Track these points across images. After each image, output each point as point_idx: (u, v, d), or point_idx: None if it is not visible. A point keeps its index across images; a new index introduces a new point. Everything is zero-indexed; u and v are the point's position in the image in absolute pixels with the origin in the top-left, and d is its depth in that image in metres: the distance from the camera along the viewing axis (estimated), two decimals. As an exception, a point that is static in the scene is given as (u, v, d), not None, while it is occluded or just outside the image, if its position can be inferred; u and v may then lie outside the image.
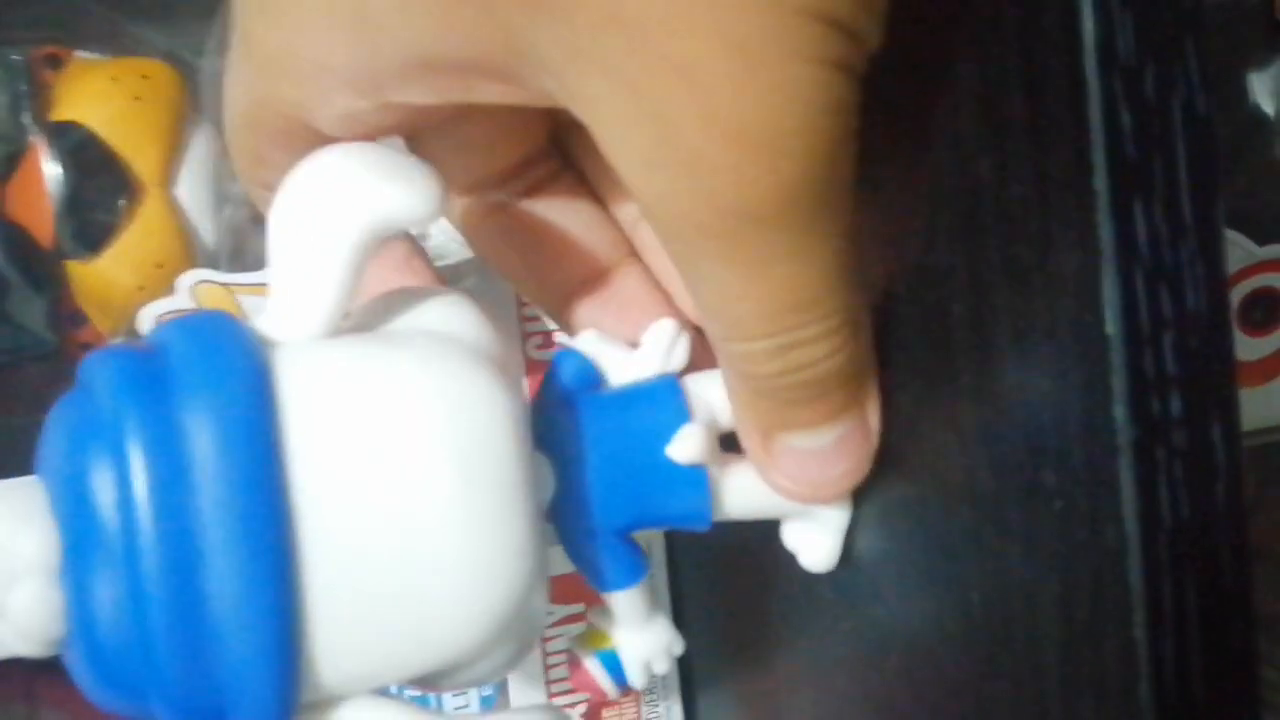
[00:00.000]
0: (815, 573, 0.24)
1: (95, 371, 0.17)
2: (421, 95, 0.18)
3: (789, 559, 0.28)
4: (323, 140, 0.19)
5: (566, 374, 0.21)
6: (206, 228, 0.31)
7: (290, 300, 0.17)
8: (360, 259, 0.17)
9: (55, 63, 0.31)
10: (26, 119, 0.30)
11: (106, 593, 0.16)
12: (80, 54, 0.31)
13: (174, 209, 0.30)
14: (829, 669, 0.27)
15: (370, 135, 0.19)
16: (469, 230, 0.23)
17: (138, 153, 0.30)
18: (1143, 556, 0.17)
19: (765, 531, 0.29)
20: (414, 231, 0.30)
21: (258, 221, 0.34)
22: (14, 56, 0.30)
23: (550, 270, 0.22)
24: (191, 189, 0.30)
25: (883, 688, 0.24)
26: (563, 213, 0.22)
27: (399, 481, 0.17)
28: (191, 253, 0.30)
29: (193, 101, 0.31)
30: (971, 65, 0.18)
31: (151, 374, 0.16)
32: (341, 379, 0.17)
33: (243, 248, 0.33)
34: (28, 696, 0.34)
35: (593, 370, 0.21)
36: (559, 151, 0.23)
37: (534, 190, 0.22)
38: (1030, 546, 0.19)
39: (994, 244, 0.19)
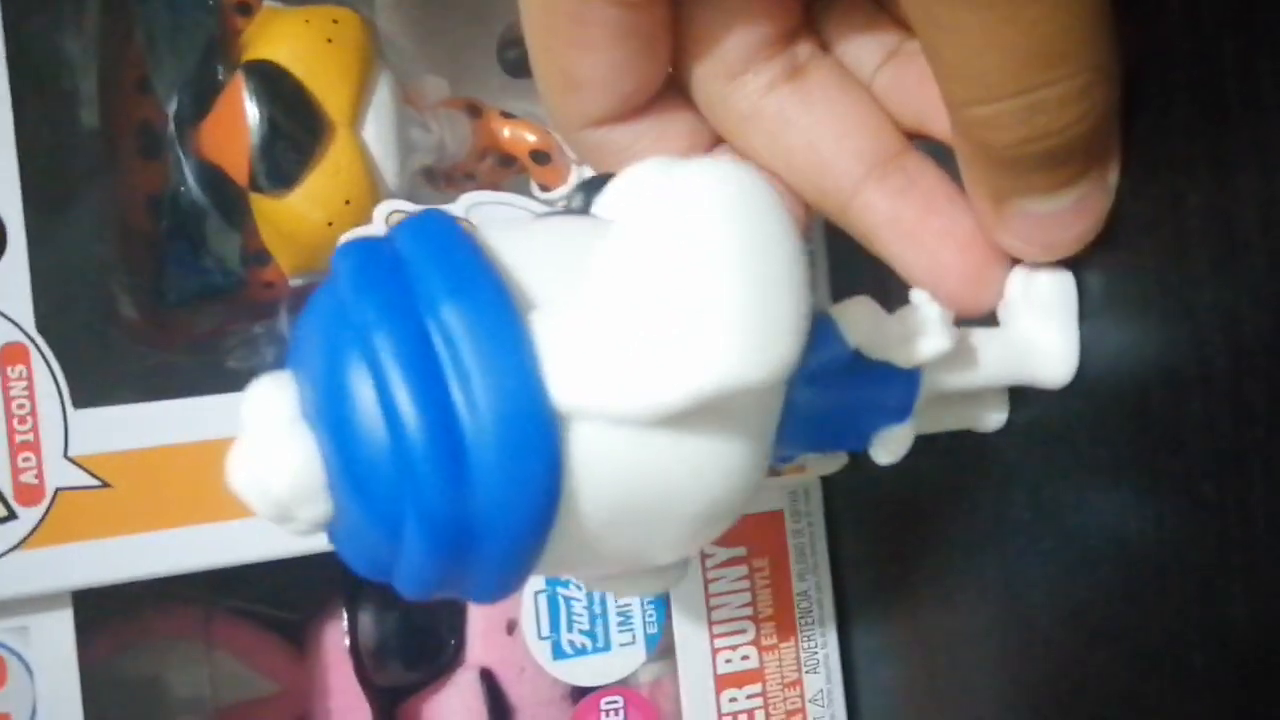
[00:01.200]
0: (1058, 387, 0.23)
1: (346, 267, 0.18)
2: None
3: (972, 487, 0.28)
4: (620, 12, 0.19)
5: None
6: (390, 168, 0.32)
7: None
8: None
9: (246, 10, 0.32)
10: (219, 63, 0.31)
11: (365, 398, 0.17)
12: (270, 3, 0.32)
13: (362, 149, 0.31)
14: (1023, 591, 0.27)
15: None
16: (742, 124, 0.22)
17: (329, 92, 0.31)
18: None
19: (942, 465, 0.28)
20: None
21: (428, 176, 0.35)
22: (209, 2, 0.32)
23: (836, 159, 0.22)
24: (378, 132, 0.31)
25: (1093, 602, 0.24)
26: (838, 96, 0.22)
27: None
28: (376, 192, 0.31)
29: (378, 50, 0.32)
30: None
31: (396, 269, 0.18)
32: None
33: (416, 197, 0.34)
34: (203, 633, 0.35)
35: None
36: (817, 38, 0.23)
37: (800, 73, 0.22)
38: (1276, 431, 0.19)
39: (1238, 127, 0.19)
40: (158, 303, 0.32)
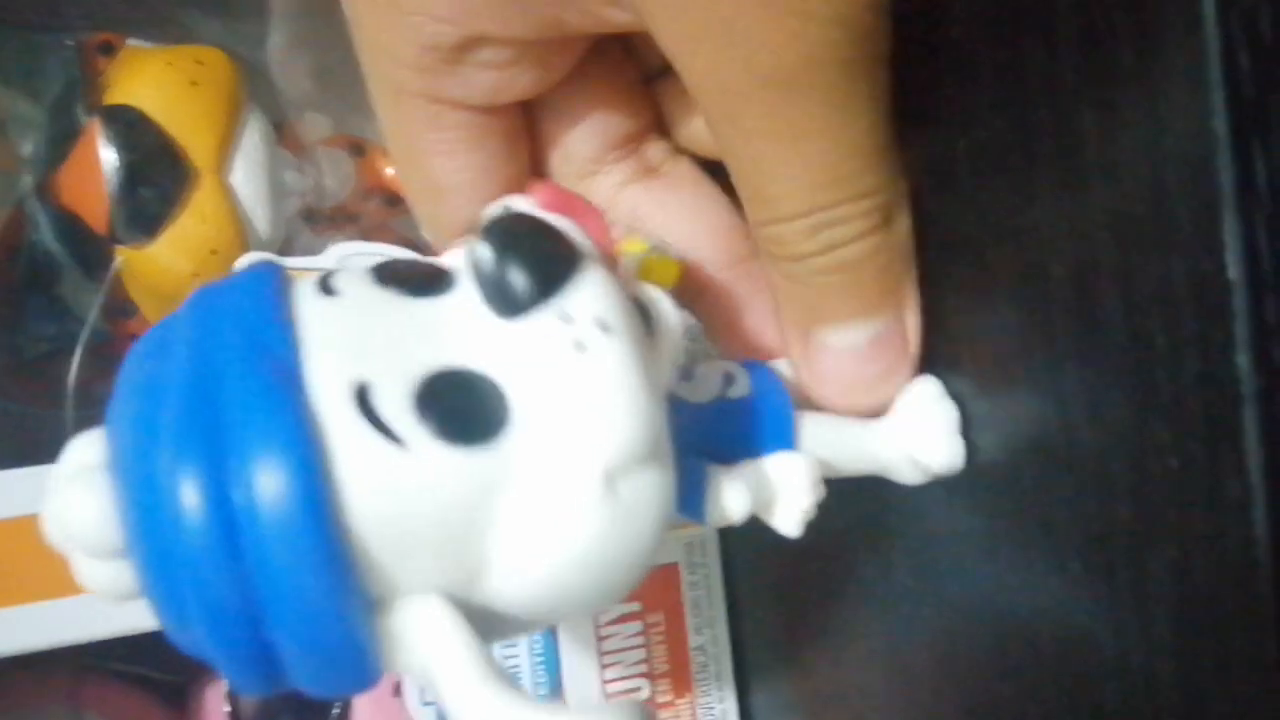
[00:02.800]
0: (947, 474, 0.22)
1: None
2: (506, 25, 0.18)
3: (860, 550, 0.28)
4: (473, 116, 0.20)
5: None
6: (260, 216, 0.30)
7: None
8: None
9: (108, 49, 0.31)
10: (79, 106, 0.30)
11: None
12: (134, 42, 0.31)
13: (229, 195, 0.30)
14: (908, 657, 0.26)
15: (492, 96, 0.20)
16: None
17: (193, 137, 0.29)
18: (1268, 512, 0.16)
19: (832, 525, 0.28)
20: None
21: (307, 218, 0.34)
22: (67, 43, 0.30)
23: (687, 251, 0.22)
24: (247, 176, 0.30)
25: (970, 670, 0.23)
26: (690, 197, 0.22)
27: None
28: (244, 240, 0.30)
29: (249, 91, 0.31)
30: (1071, 9, 0.18)
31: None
32: None
33: (293, 241, 0.33)
34: (72, 697, 0.33)
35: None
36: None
37: (652, 173, 0.22)
38: (1140, 508, 0.18)
39: (1098, 198, 0.18)
40: (15, 357, 0.31)
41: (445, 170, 0.21)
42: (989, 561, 0.22)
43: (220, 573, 0.15)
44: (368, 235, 0.34)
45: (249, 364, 0.16)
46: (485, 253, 0.17)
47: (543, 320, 0.17)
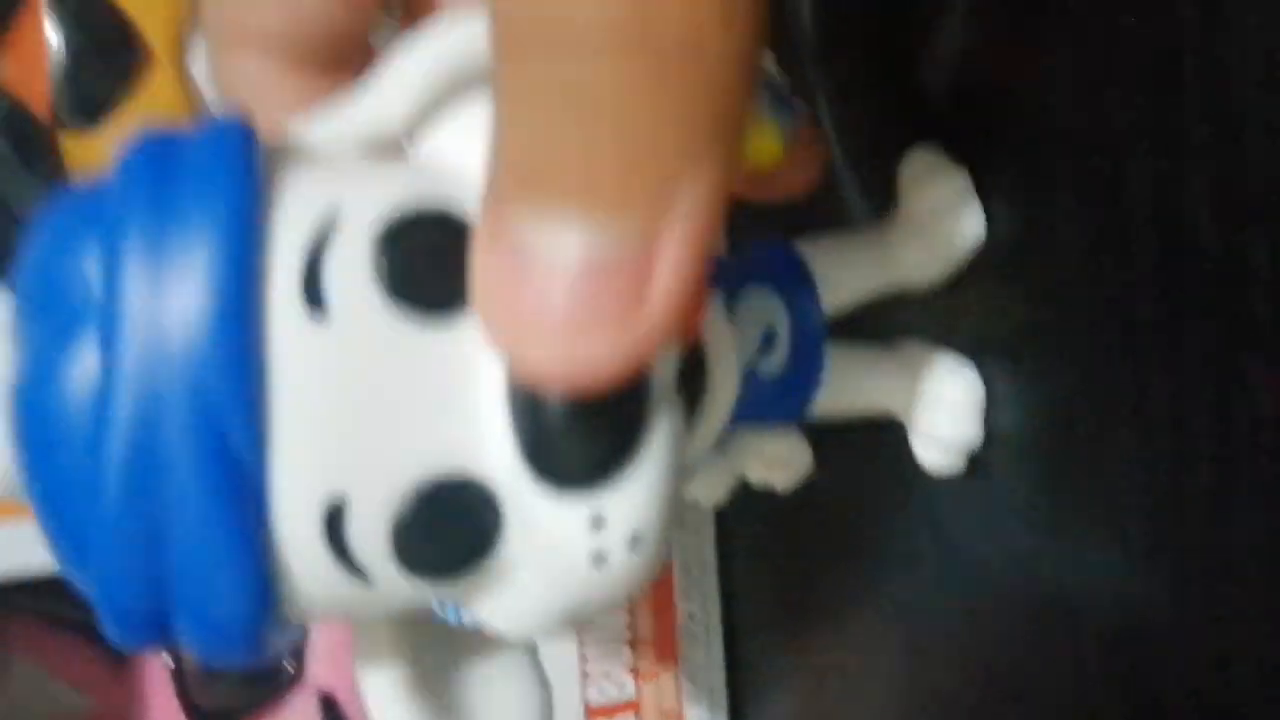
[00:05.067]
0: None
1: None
2: None
3: (871, 506, 0.25)
4: None
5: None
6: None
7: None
8: None
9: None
10: (26, -22, 0.27)
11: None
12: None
13: (187, 83, 0.27)
14: (922, 631, 0.23)
15: None
16: None
17: (149, 14, 0.26)
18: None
19: (840, 479, 0.25)
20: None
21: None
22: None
23: None
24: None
25: (993, 645, 0.21)
26: None
27: None
28: (203, 136, 0.27)
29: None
30: None
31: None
32: None
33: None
34: (2, 643, 0.30)
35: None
36: None
37: None
38: (1224, 469, 0.15)
39: (1193, 95, 0.15)
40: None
41: None
42: (1026, 526, 0.19)
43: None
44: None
45: (201, 458, 0.12)
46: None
47: (571, 512, 0.13)
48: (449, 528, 0.13)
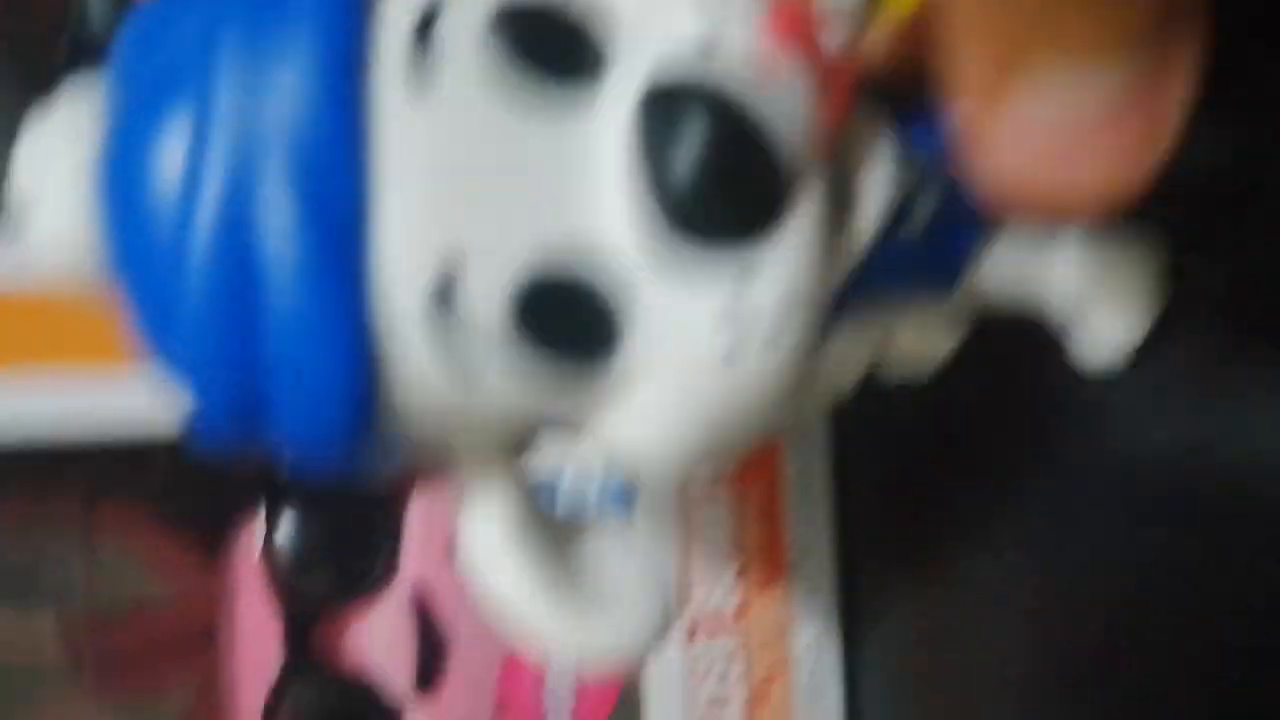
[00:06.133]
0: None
1: None
2: None
3: (1015, 449, 0.23)
4: None
5: None
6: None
7: None
8: None
9: None
10: None
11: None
12: None
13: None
14: (1068, 546, 0.22)
15: None
16: None
17: None
18: None
19: (983, 409, 0.24)
20: None
21: None
22: None
23: None
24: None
25: (1162, 563, 0.19)
26: None
27: None
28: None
29: None
30: None
31: None
32: None
33: None
34: (87, 522, 0.30)
35: None
36: None
37: None
38: None
39: None
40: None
41: None
42: (1196, 413, 0.17)
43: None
44: None
45: (299, 223, 0.12)
46: (694, 129, 0.12)
47: (703, 300, 0.13)
48: (573, 298, 0.12)
